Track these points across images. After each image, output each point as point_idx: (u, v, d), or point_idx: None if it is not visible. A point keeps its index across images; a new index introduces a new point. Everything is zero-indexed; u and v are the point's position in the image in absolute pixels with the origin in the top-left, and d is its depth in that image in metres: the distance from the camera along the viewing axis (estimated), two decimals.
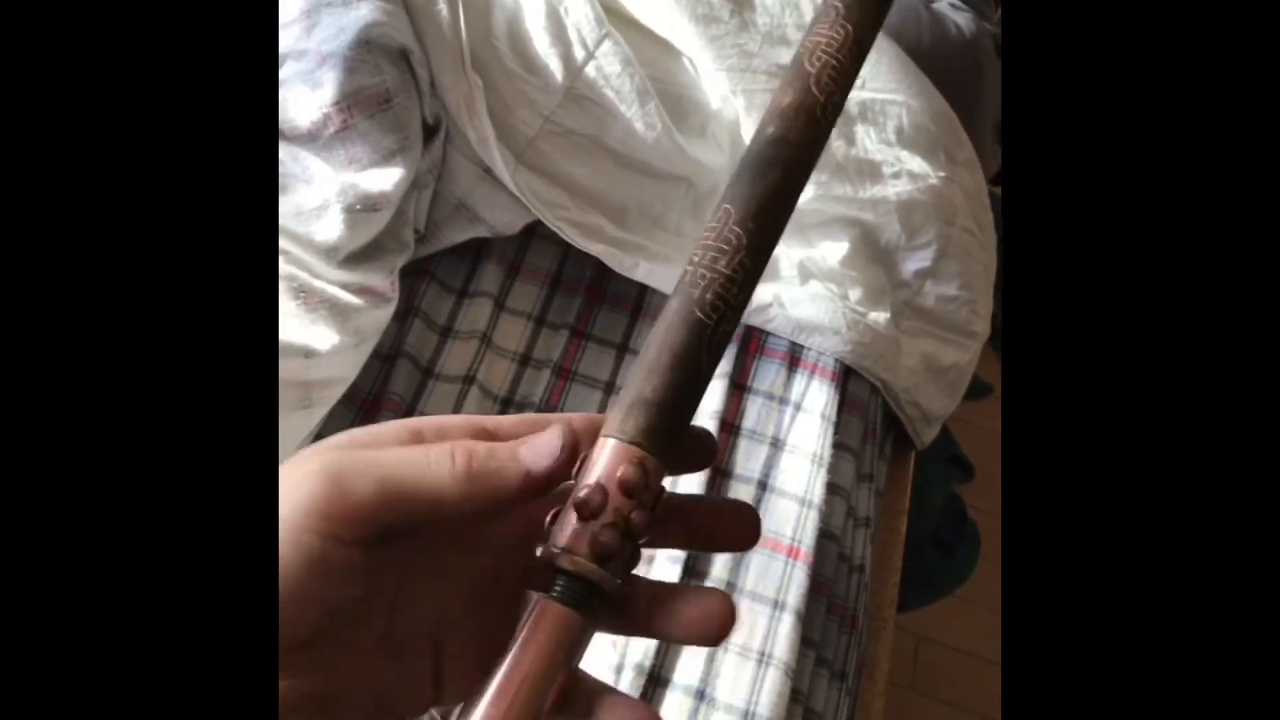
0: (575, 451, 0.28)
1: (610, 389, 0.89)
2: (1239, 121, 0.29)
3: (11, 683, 0.23)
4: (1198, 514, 0.28)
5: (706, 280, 0.29)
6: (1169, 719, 0.27)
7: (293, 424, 0.73)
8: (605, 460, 0.28)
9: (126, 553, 0.25)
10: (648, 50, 0.93)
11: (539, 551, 0.28)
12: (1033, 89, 0.31)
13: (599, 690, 0.28)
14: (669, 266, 0.90)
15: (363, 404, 0.83)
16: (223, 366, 0.27)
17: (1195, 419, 0.28)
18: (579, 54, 0.88)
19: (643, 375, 0.29)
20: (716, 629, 0.27)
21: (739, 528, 0.30)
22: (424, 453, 0.26)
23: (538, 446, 0.27)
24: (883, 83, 0.97)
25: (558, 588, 0.28)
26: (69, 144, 0.27)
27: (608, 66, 0.88)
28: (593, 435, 0.29)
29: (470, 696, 0.26)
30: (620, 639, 0.74)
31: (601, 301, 0.94)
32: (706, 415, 0.86)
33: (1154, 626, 0.28)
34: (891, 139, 0.97)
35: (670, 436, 0.29)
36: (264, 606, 0.25)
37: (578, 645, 0.28)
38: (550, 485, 0.27)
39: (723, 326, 0.30)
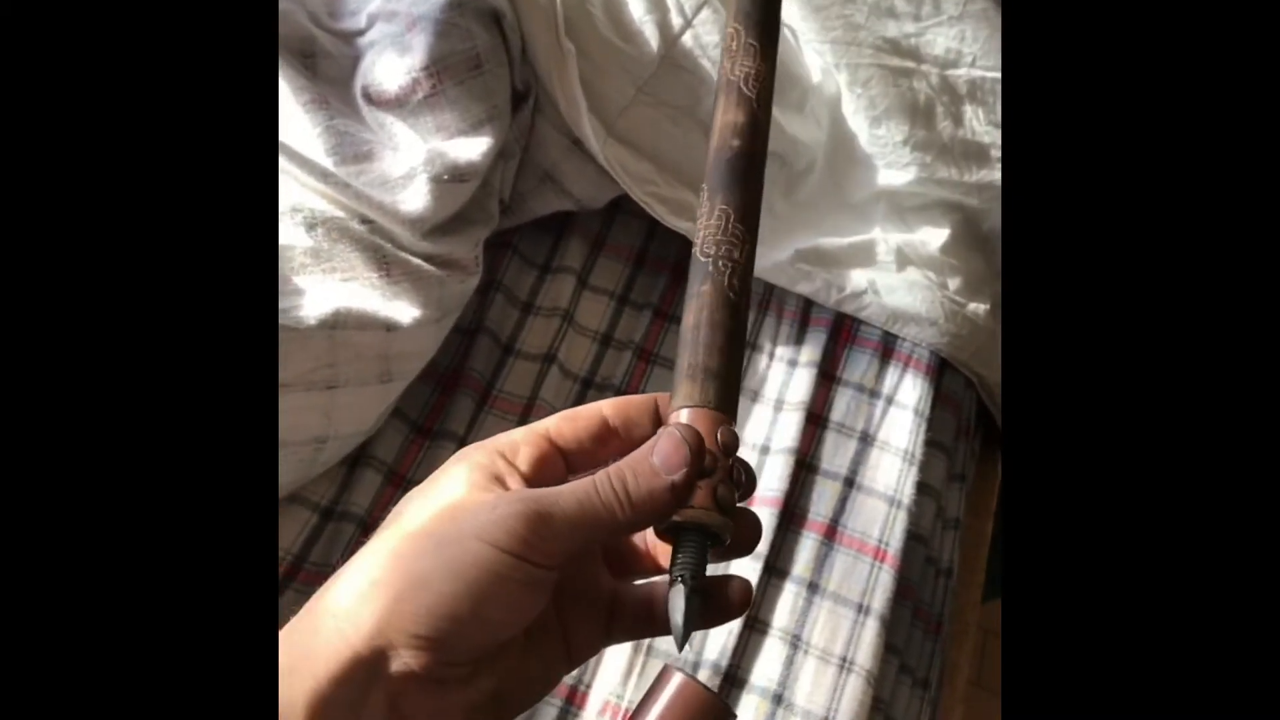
0: (701, 446, 0.31)
1: None
2: (1238, 118, 0.30)
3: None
4: (1195, 516, 0.28)
5: (730, 268, 0.35)
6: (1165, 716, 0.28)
7: (373, 397, 0.72)
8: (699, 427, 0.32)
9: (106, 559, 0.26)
10: None
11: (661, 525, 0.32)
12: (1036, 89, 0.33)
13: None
14: (758, 247, 0.86)
15: (440, 379, 0.81)
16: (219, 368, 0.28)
17: (1193, 416, 0.29)
18: (676, 21, 0.84)
19: (701, 351, 0.34)
20: (743, 604, 0.33)
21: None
22: (594, 488, 0.30)
23: (667, 456, 0.31)
24: (994, 60, 0.91)
25: (682, 551, 0.31)
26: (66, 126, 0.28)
27: (705, 35, 0.84)
28: (634, 415, 0.34)
29: None
30: (695, 637, 0.71)
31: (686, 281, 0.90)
32: (792, 406, 0.82)
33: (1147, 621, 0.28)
34: (1001, 120, 0.91)
35: (735, 403, 0.34)
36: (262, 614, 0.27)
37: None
38: (694, 485, 0.31)
39: (745, 308, 0.35)
